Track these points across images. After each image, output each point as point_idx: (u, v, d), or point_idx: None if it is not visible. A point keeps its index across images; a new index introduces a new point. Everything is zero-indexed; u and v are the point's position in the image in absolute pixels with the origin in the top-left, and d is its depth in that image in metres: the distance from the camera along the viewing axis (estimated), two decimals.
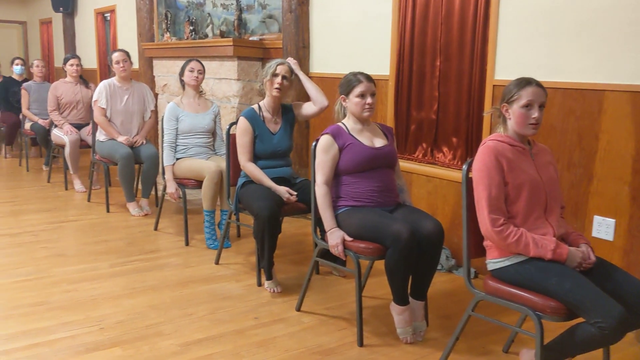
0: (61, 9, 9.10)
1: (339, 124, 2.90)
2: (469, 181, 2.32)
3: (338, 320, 2.94)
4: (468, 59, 3.60)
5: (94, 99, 4.92)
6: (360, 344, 2.67)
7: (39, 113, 6.57)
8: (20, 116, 7.04)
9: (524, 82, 2.25)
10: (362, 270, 2.87)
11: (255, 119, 3.43)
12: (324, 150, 2.80)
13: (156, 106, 5.21)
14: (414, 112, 3.96)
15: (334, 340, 2.71)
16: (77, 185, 5.77)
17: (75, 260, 3.74)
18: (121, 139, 4.80)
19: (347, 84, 2.86)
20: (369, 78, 2.85)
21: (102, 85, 4.90)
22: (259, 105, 3.49)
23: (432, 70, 3.82)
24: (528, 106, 2.23)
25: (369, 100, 2.82)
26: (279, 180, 3.37)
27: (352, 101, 2.84)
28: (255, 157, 3.43)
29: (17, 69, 7.51)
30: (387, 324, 2.88)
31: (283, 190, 3.28)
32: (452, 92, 3.72)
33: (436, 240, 2.64)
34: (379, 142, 2.88)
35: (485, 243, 2.33)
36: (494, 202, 2.19)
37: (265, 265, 3.23)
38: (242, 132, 3.40)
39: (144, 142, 4.92)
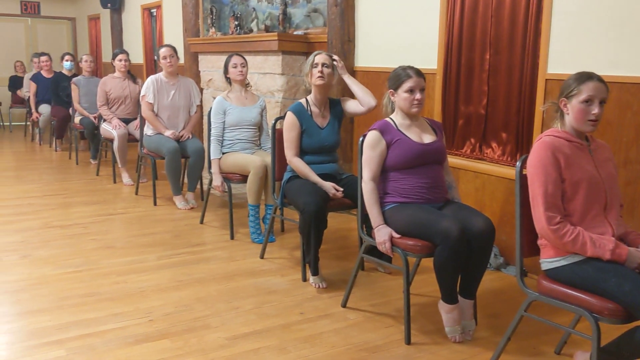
0: (109, 5, 9.29)
1: (387, 119, 2.85)
2: (522, 178, 2.26)
3: (384, 317, 2.91)
4: (519, 52, 3.50)
5: (141, 94, 4.99)
6: (408, 341, 2.63)
7: (87, 107, 6.71)
8: (70, 110, 7.23)
9: (585, 77, 2.16)
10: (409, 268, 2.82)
11: (302, 113, 3.41)
12: (371, 146, 2.76)
13: (201, 101, 5.25)
14: (462, 106, 3.88)
15: (380, 337, 2.68)
16: (125, 178, 5.88)
17: (123, 252, 3.81)
18: (168, 133, 4.87)
19: (396, 78, 2.81)
20: (418, 73, 2.79)
21: (150, 80, 4.97)
22: (307, 100, 3.47)
23: (481, 63, 3.73)
24: (588, 101, 2.14)
25: (417, 95, 2.76)
26: (325, 177, 3.34)
27: (401, 96, 2.79)
28: (302, 152, 3.41)
29: (66, 65, 7.71)
30: (434, 322, 2.83)
31: (329, 186, 3.26)
32: (502, 86, 3.63)
33: (487, 238, 2.58)
34: (428, 137, 2.82)
35: (540, 242, 2.26)
36: (550, 199, 2.12)
37: (311, 260, 3.23)
38: (289, 126, 3.39)
39: (190, 136, 4.97)
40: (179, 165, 4.87)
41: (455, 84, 3.90)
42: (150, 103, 4.91)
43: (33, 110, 8.25)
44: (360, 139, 2.85)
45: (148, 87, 4.94)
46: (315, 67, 3.35)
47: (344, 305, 3.01)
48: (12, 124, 10.22)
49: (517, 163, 2.25)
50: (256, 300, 3.06)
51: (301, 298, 3.11)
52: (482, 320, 2.88)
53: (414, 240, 2.61)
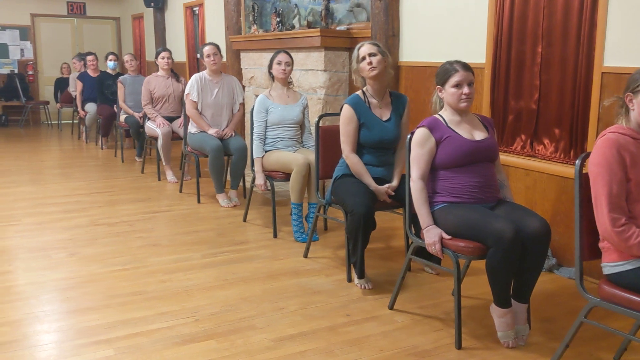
0: (152, 4, 9.40)
1: (436, 115, 2.76)
2: (582, 177, 2.14)
3: (433, 320, 2.82)
4: (573, 44, 3.35)
5: (185, 92, 5.02)
6: (459, 346, 2.54)
7: (133, 106, 6.81)
8: (115, 108, 7.35)
9: None
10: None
11: (360, 106, 3.27)
12: (420, 143, 2.68)
13: (244, 98, 5.24)
14: (512, 101, 3.75)
15: (429, 341, 2.61)
16: (170, 176, 5.94)
17: (169, 250, 3.83)
18: (211, 131, 4.88)
19: (443, 73, 2.72)
20: (466, 66, 2.69)
21: (194, 78, 4.98)
22: (363, 92, 3.32)
23: (532, 57, 3.59)
24: None
25: (465, 90, 2.66)
26: (379, 182, 3.24)
27: (448, 91, 2.69)
28: (360, 148, 3.29)
29: (110, 65, 7.86)
30: (485, 325, 2.73)
31: (382, 192, 3.19)
32: (555, 80, 3.48)
33: (542, 240, 2.46)
34: (479, 134, 2.72)
35: (602, 245, 2.14)
36: (615, 200, 2.00)
37: (358, 262, 3.16)
38: (346, 120, 3.26)
39: (233, 134, 4.97)
40: (222, 164, 4.88)
41: (505, 79, 3.77)
42: (194, 101, 4.93)
43: (79, 108, 8.42)
44: (408, 136, 2.77)
45: (192, 85, 4.95)
46: (363, 60, 3.21)
47: (391, 308, 2.94)
48: (61, 122, 10.49)
49: (577, 161, 2.14)
50: (301, 301, 3.02)
51: (347, 299, 3.05)
52: (535, 325, 2.77)
53: (465, 242, 2.52)
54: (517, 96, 3.72)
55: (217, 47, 5.02)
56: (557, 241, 3.53)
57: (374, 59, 3.19)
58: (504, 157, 3.75)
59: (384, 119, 3.28)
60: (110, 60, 7.87)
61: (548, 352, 2.50)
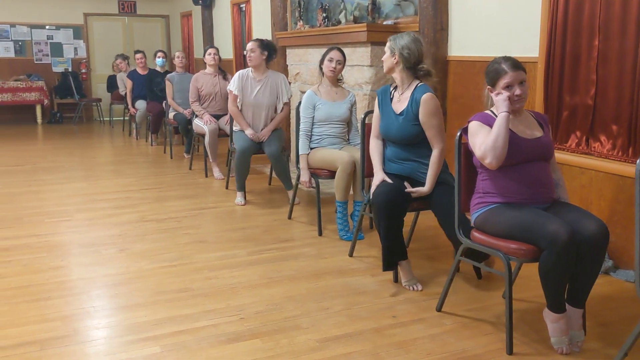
0: (200, 1, 9.51)
1: (487, 111, 2.67)
2: None
3: (482, 323, 2.74)
4: (633, 37, 3.18)
5: (228, 87, 5.03)
6: (510, 351, 2.46)
7: (181, 103, 6.91)
8: (164, 105, 7.47)
9: None
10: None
11: (383, 95, 3.27)
12: (477, 129, 2.57)
13: (289, 97, 5.14)
14: (567, 97, 3.60)
15: (479, 345, 2.53)
16: (216, 172, 5.99)
17: (215, 247, 3.86)
18: (248, 132, 4.86)
19: (492, 73, 2.59)
20: (516, 65, 2.56)
21: (237, 74, 4.98)
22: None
23: (588, 50, 3.44)
24: None
25: (517, 91, 2.55)
26: (401, 179, 3.16)
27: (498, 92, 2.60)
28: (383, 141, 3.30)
29: (159, 62, 8.01)
30: (537, 330, 2.64)
31: (377, 178, 3.15)
32: (613, 74, 3.32)
33: (599, 243, 2.35)
34: (534, 132, 2.62)
35: None
36: None
37: (383, 253, 3.10)
38: (375, 107, 3.32)
39: (267, 137, 4.87)
40: (246, 166, 4.84)
41: (559, 73, 3.62)
42: (235, 95, 4.91)
43: (130, 106, 8.61)
44: (458, 132, 2.69)
45: (234, 81, 4.95)
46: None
47: (438, 310, 2.87)
48: (113, 119, 10.77)
49: (638, 160, 2.02)
50: (346, 301, 2.98)
51: (393, 300, 3.00)
52: (590, 330, 2.65)
53: (517, 244, 2.43)
54: (572, 91, 3.57)
55: (259, 42, 4.90)
56: (614, 242, 3.38)
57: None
58: (557, 155, 3.60)
59: (398, 112, 3.19)
60: (159, 57, 8.01)
61: (603, 359, 2.39)
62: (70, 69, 11.46)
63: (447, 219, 2.98)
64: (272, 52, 4.98)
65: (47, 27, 11.35)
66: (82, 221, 4.45)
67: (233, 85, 4.93)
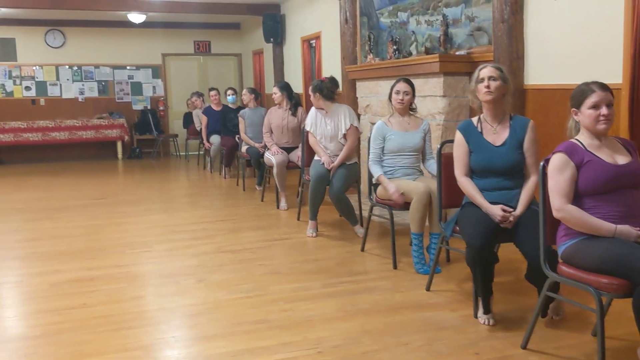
0: (272, 39, 9.79)
1: (573, 140, 2.57)
2: None
3: None
4: None
5: (304, 127, 5.24)
6: None
7: (252, 137, 7.11)
8: (237, 139, 7.69)
9: None
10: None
11: (470, 130, 3.18)
12: (559, 169, 2.49)
13: (351, 124, 5.00)
14: None
15: None
16: (282, 202, 6.09)
17: (289, 278, 3.86)
18: (323, 158, 4.91)
19: (579, 94, 2.54)
20: (603, 86, 2.50)
21: (310, 112, 5.17)
22: (479, 117, 3.23)
23: None
24: None
25: (604, 111, 2.46)
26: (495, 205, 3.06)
27: (585, 113, 2.51)
28: (473, 172, 3.19)
29: (229, 99, 8.36)
30: None
31: (496, 210, 2.99)
32: None
33: None
34: (622, 158, 2.49)
35: None
36: None
37: (480, 296, 3.00)
38: (456, 144, 3.23)
39: (336, 167, 4.86)
40: (320, 193, 4.88)
41: None
42: (310, 132, 5.10)
43: (205, 140, 8.91)
44: (542, 163, 2.60)
45: (308, 119, 5.17)
46: (482, 81, 3.09)
47: (524, 347, 2.73)
48: (189, 153, 11.16)
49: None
50: (426, 337, 2.89)
51: (475, 336, 2.88)
52: None
53: (608, 278, 2.30)
54: None
55: (312, 87, 5.07)
56: None
57: (493, 84, 3.06)
58: None
59: (497, 144, 3.12)
60: (229, 95, 8.36)
61: None
62: (149, 107, 12.03)
63: (529, 241, 2.85)
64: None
65: (128, 67, 12.00)
66: (161, 252, 4.59)
67: (308, 125, 5.14)
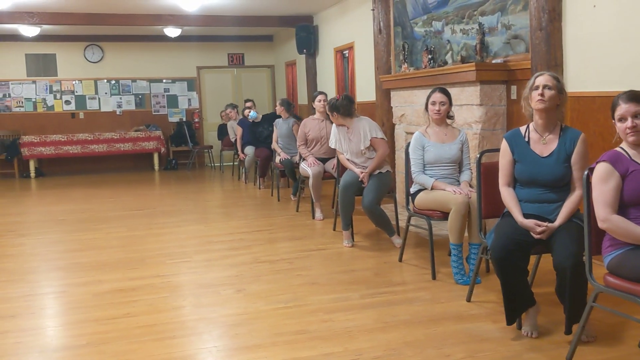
0: (304, 50, 9.87)
1: (617, 148, 2.54)
2: None
3: None
4: None
5: (329, 144, 5.28)
6: None
7: (284, 147, 7.20)
8: (272, 147, 7.77)
9: None
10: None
11: (516, 140, 3.13)
12: (603, 179, 2.46)
13: (376, 135, 4.96)
14: None
15: None
16: (317, 213, 6.10)
17: (327, 289, 3.87)
18: (357, 170, 4.92)
19: (611, 106, 2.60)
20: (631, 97, 2.49)
21: (332, 129, 5.20)
22: (528, 126, 3.16)
23: None
24: None
25: (629, 124, 2.46)
26: (534, 218, 3.01)
27: (616, 125, 2.53)
28: (516, 181, 3.15)
29: (252, 115, 8.53)
30: None
31: (531, 225, 2.95)
32: None
33: None
34: None
35: None
36: None
37: (505, 307, 2.98)
38: (501, 153, 3.19)
39: (367, 179, 4.85)
40: (350, 202, 4.88)
41: None
42: (334, 149, 5.17)
43: (239, 151, 9.02)
44: (586, 172, 2.56)
45: (332, 135, 5.18)
46: (536, 89, 3.00)
47: (569, 359, 2.68)
48: (223, 164, 11.30)
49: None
50: (468, 348, 2.86)
51: (519, 348, 2.84)
52: None
53: None
54: None
55: (329, 107, 5.10)
56: None
57: (547, 93, 2.97)
58: None
59: (544, 155, 3.06)
60: (250, 111, 8.58)
61: None
62: (184, 119, 12.22)
63: (561, 252, 2.78)
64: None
65: (164, 80, 12.23)
66: (200, 262, 4.65)
67: (332, 143, 5.17)
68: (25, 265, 4.78)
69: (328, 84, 9.47)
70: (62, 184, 9.96)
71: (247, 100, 9.15)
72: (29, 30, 9.72)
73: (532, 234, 2.95)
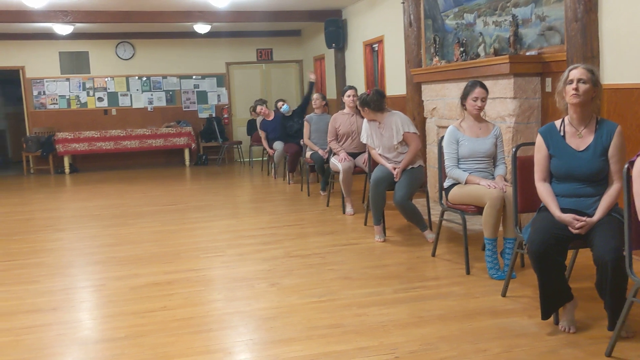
0: (333, 44, 9.85)
1: None
2: None
3: None
4: None
5: (361, 139, 5.27)
6: None
7: (317, 142, 7.18)
8: (301, 142, 7.78)
9: None
10: None
11: (551, 134, 3.08)
12: None
13: (408, 130, 4.93)
14: None
15: None
16: (348, 208, 6.11)
17: (360, 283, 3.88)
18: (389, 165, 4.91)
19: None
20: None
21: (364, 124, 5.17)
22: (563, 120, 3.11)
23: None
24: None
25: None
26: (571, 213, 2.96)
27: None
28: (552, 176, 3.10)
29: (284, 109, 8.61)
30: None
31: (569, 220, 2.91)
32: None
33: None
34: None
35: None
36: None
37: (541, 302, 2.94)
38: (536, 148, 3.14)
39: (400, 175, 4.84)
40: (381, 197, 4.88)
41: None
42: (367, 144, 5.15)
43: (267, 147, 9.08)
44: (626, 165, 2.52)
45: (363, 130, 5.17)
46: (570, 83, 2.94)
47: (608, 355, 2.65)
48: (252, 160, 11.38)
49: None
50: (504, 343, 2.84)
51: (556, 343, 2.82)
52: None
53: None
54: None
55: (360, 102, 5.09)
56: None
57: (582, 87, 2.91)
58: None
59: (580, 149, 3.00)
60: (282, 105, 8.71)
61: None
62: (214, 115, 12.33)
63: (601, 246, 2.73)
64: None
65: (193, 77, 12.35)
66: (233, 256, 4.70)
67: (364, 138, 5.16)
68: (63, 259, 4.89)
69: (357, 78, 9.45)
70: (96, 179, 10.16)
71: (278, 101, 9.21)
72: (63, 29, 9.93)
73: (570, 228, 2.91)
